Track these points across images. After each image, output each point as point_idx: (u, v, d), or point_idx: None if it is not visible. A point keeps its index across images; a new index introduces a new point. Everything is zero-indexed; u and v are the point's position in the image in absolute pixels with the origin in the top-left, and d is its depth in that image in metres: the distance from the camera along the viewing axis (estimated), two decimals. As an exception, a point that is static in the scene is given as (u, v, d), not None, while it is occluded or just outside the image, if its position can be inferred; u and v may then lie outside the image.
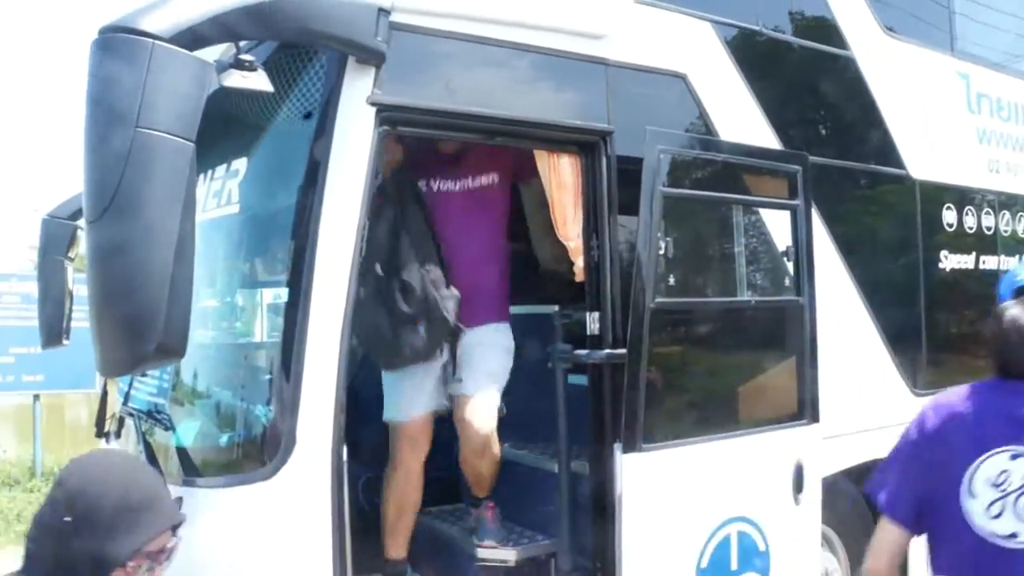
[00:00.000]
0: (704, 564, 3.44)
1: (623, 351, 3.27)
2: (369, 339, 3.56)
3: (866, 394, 4.29)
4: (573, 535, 3.45)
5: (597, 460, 3.35)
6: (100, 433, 4.29)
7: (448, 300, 3.43)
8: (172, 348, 2.28)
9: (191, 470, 3.04)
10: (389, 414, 3.67)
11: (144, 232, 2.22)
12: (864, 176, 4.53)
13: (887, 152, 4.53)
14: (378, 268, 3.39)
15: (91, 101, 2.29)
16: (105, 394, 4.53)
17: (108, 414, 4.30)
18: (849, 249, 4.24)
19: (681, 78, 3.63)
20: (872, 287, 4.33)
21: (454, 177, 3.72)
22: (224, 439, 3.12)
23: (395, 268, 3.43)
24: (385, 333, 3.43)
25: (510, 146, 3.49)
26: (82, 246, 4.59)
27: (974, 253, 4.98)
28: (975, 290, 5.02)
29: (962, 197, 4.95)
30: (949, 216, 4.85)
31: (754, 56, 4.00)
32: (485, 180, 3.71)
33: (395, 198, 3.51)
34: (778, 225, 3.85)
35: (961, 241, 4.90)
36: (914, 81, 4.73)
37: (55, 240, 4.49)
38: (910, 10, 4.86)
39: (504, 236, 3.84)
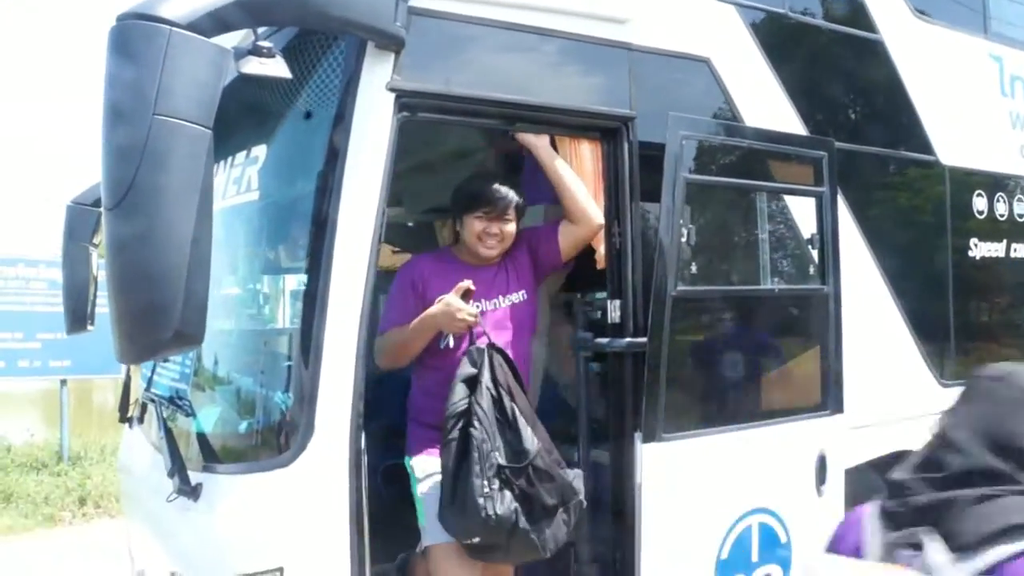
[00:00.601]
0: (724, 555, 3.41)
1: (644, 339, 3.24)
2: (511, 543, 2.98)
3: (892, 384, 4.23)
4: (592, 525, 3.42)
5: (617, 449, 3.33)
6: (123, 418, 4.33)
7: (577, 480, 3.11)
8: (190, 335, 2.28)
9: (211, 456, 3.05)
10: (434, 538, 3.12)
11: (162, 219, 2.22)
12: (892, 162, 4.45)
13: (916, 137, 4.45)
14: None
15: (109, 88, 2.29)
16: (128, 380, 4.57)
17: (131, 400, 4.35)
18: (875, 237, 4.17)
19: (705, 62, 3.58)
20: (899, 275, 4.26)
21: (487, 296, 3.35)
22: (244, 426, 3.13)
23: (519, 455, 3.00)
24: (525, 529, 2.95)
25: (540, 259, 3.43)
26: (103, 233, 4.62)
27: (1005, 241, 4.88)
28: (1006, 279, 4.94)
29: (994, 183, 4.86)
30: (980, 203, 4.76)
31: (779, 40, 3.93)
32: (516, 297, 3.39)
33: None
34: (803, 212, 3.79)
35: (992, 228, 4.80)
36: (945, 64, 4.64)
37: (79, 226, 4.52)
38: None
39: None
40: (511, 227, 3.32)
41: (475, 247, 3.31)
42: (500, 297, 3.32)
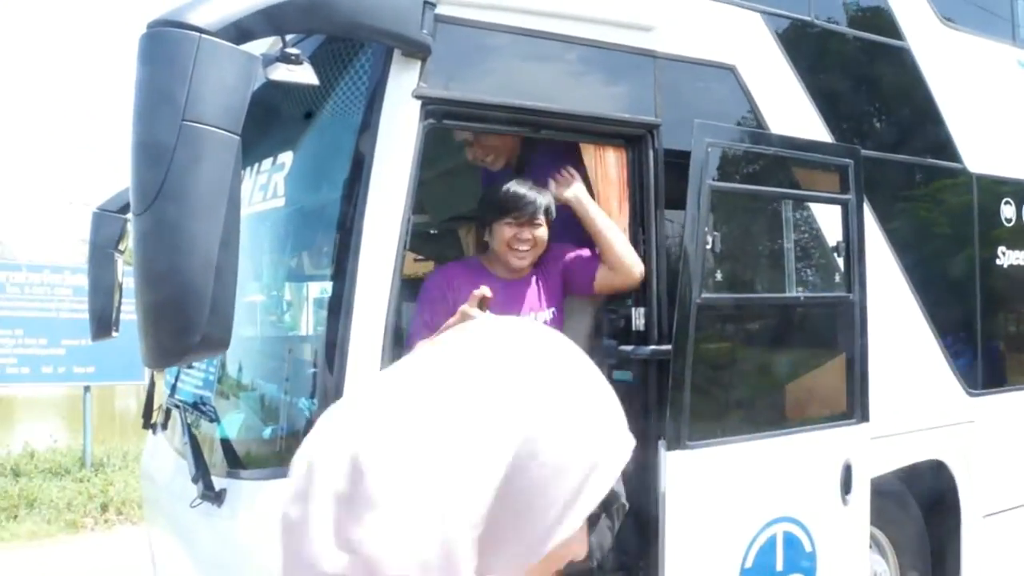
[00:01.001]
0: (749, 564, 3.39)
1: (668, 347, 3.23)
2: None
3: (918, 393, 4.20)
4: (616, 533, 3.40)
5: (641, 457, 3.31)
6: (147, 424, 4.35)
7: (617, 483, 3.12)
8: (217, 340, 2.29)
9: (235, 462, 3.06)
10: None
11: (190, 224, 2.23)
12: (918, 170, 4.43)
13: (943, 145, 4.43)
14: None
15: (139, 94, 2.31)
16: (152, 386, 4.60)
17: (155, 406, 4.37)
18: (902, 245, 4.15)
19: (730, 70, 3.58)
20: (926, 284, 4.23)
21: (517, 311, 3.33)
22: (268, 431, 3.14)
23: None
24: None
25: (571, 284, 3.38)
26: (131, 239, 4.65)
27: (1033, 249, 4.85)
28: (1034, 288, 4.90)
29: (1021, 191, 4.82)
30: (1007, 211, 4.73)
31: (805, 47, 3.93)
32: (547, 315, 3.38)
33: None
34: (829, 220, 3.77)
35: (1020, 236, 4.77)
36: (972, 72, 4.61)
37: (105, 233, 4.54)
38: None
39: None
40: (542, 232, 3.22)
41: (506, 256, 3.22)
42: (532, 314, 3.27)
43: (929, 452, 4.24)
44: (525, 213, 3.18)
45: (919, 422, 4.15)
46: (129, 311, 5.19)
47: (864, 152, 3.85)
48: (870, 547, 3.94)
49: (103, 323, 4.50)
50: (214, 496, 2.80)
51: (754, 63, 3.65)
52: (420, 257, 6.16)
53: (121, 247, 4.59)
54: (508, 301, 3.13)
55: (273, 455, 3.04)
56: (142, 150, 2.29)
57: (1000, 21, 4.86)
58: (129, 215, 4.34)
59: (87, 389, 9.90)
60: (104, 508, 8.40)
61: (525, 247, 3.19)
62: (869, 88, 4.26)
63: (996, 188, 4.69)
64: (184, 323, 2.24)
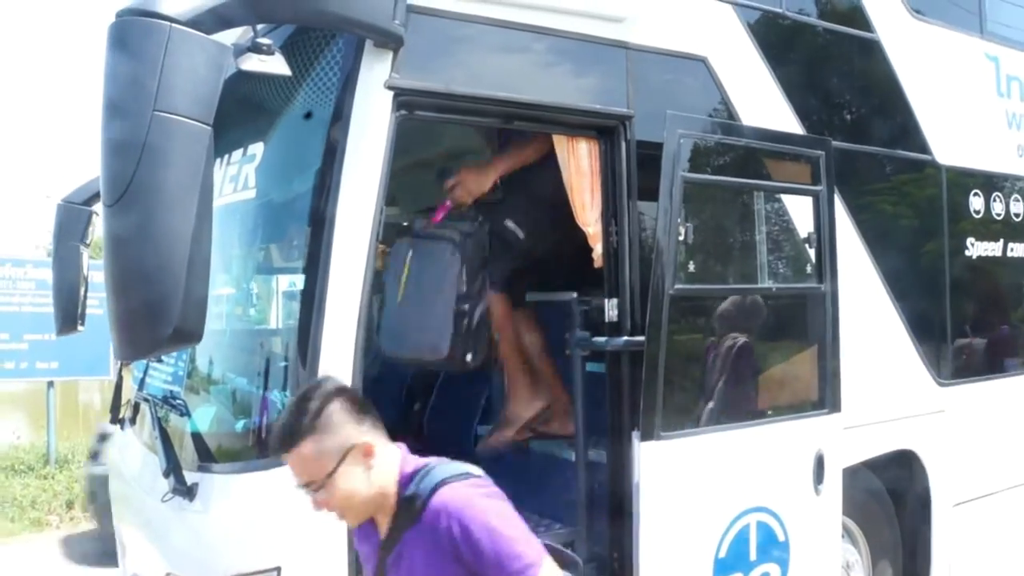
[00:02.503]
0: (723, 554, 3.41)
1: (642, 338, 3.23)
2: None
3: (889, 384, 4.24)
4: (590, 524, 3.41)
5: (615, 448, 3.32)
6: (115, 420, 4.29)
7: None
8: (189, 332, 2.27)
9: (206, 456, 3.03)
10: None
11: (162, 216, 2.21)
12: (888, 162, 4.47)
13: (912, 137, 4.47)
14: None
15: (108, 84, 2.28)
16: (120, 381, 4.54)
17: (123, 401, 4.31)
18: (872, 236, 4.19)
19: (702, 61, 3.59)
20: (896, 275, 4.28)
21: None
22: (240, 424, 3.11)
23: None
24: None
25: None
26: (98, 232, 4.58)
27: (1002, 240, 4.92)
28: (1002, 278, 4.97)
29: (990, 183, 4.89)
30: (976, 203, 4.79)
31: (776, 39, 3.95)
32: None
33: None
34: (800, 211, 3.79)
35: (988, 228, 4.83)
36: (941, 64, 4.66)
37: (70, 226, 4.47)
38: None
39: None
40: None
41: None
42: None
43: (900, 442, 4.29)
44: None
45: (890, 412, 4.20)
46: (95, 305, 5.15)
47: (835, 144, 3.88)
48: (842, 537, 3.98)
49: (68, 317, 4.43)
50: (186, 490, 2.78)
51: (726, 55, 3.66)
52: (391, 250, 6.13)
53: (87, 240, 4.52)
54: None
55: (245, 448, 3.01)
56: (113, 141, 2.26)
57: (968, 14, 4.91)
58: (95, 207, 4.30)
59: (51, 384, 9.76)
60: (69, 505, 8.30)
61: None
62: (840, 80, 4.29)
63: (965, 180, 4.75)
64: (156, 315, 2.21)
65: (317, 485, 1.90)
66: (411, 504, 1.92)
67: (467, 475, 1.96)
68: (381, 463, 1.94)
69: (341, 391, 1.96)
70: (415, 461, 2.01)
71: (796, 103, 3.89)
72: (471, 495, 1.90)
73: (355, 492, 1.92)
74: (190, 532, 2.84)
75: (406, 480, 1.95)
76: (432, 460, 2.01)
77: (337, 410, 1.91)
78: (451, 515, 1.85)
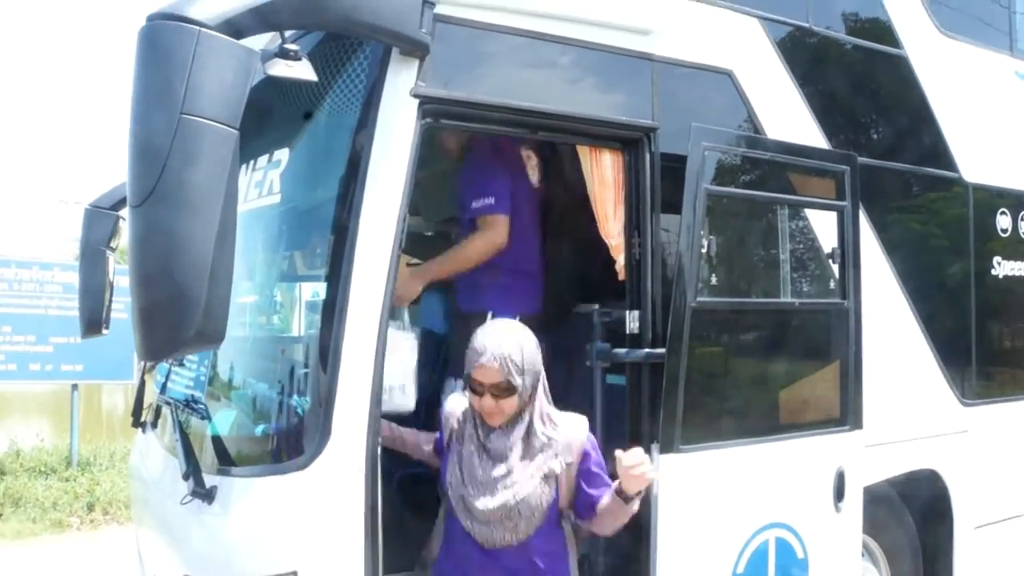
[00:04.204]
0: (741, 569, 3.38)
1: (662, 351, 3.22)
2: None
3: (912, 402, 4.20)
4: (607, 537, 3.39)
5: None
6: (136, 423, 4.32)
7: None
8: (211, 334, 2.27)
9: (226, 459, 3.04)
10: None
11: (187, 218, 2.21)
12: (914, 178, 4.44)
13: (939, 154, 4.44)
14: None
15: (137, 87, 2.29)
16: (142, 384, 4.57)
17: (145, 404, 4.34)
18: (897, 253, 4.16)
19: (727, 75, 3.58)
20: (920, 293, 4.24)
21: None
22: (260, 429, 3.12)
23: None
24: None
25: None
26: (123, 237, 4.62)
27: (1029, 260, 4.86)
28: (1030, 299, 4.91)
29: (1018, 202, 4.84)
30: (1003, 221, 4.75)
31: (803, 53, 3.94)
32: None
33: None
34: (824, 226, 3.78)
35: (1016, 248, 4.79)
36: (970, 82, 4.63)
37: (97, 230, 4.51)
38: (968, 10, 4.77)
39: None
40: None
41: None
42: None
43: (922, 461, 4.25)
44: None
45: (912, 431, 4.16)
46: (119, 309, 5.19)
47: (860, 159, 3.86)
48: (862, 555, 3.94)
49: (94, 321, 4.47)
50: (205, 493, 2.78)
51: (751, 68, 3.65)
52: (414, 261, 6.15)
53: (113, 244, 4.56)
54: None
55: (265, 453, 3.02)
56: (140, 143, 2.27)
57: (998, 32, 4.88)
58: (122, 212, 4.34)
59: (75, 387, 9.85)
60: (90, 508, 8.36)
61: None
62: (866, 96, 4.27)
63: (992, 199, 4.71)
64: (179, 317, 2.22)
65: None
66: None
67: None
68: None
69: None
70: None
71: (822, 118, 3.87)
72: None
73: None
74: (208, 535, 2.85)
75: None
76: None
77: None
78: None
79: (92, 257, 4.50)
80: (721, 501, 3.36)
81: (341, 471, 2.68)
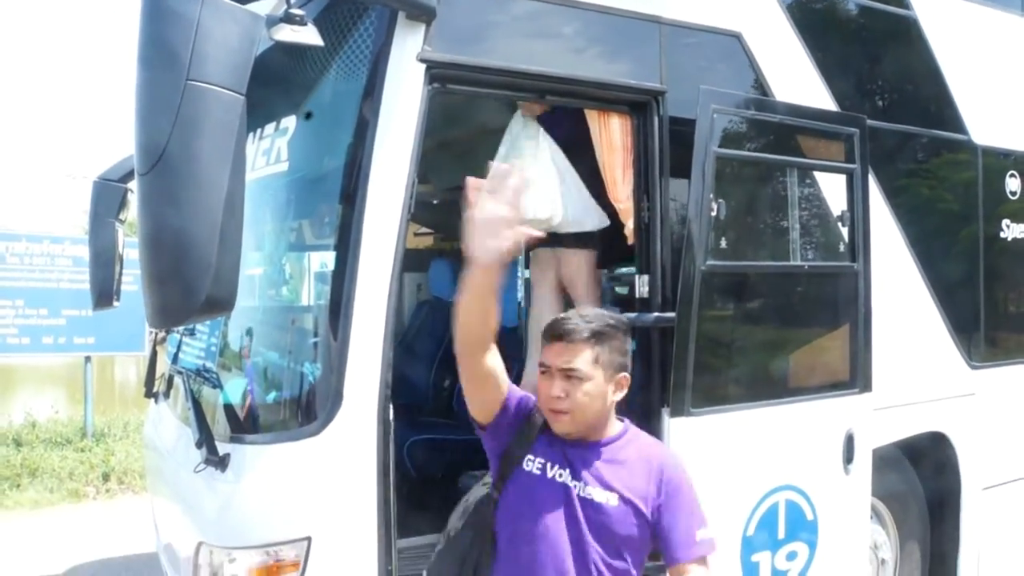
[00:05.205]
0: (751, 532, 3.40)
1: (672, 314, 3.22)
2: None
3: (920, 365, 4.20)
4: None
5: (644, 424, 3.30)
6: (149, 393, 4.36)
7: None
8: (222, 300, 2.28)
9: (238, 427, 3.06)
10: None
11: (194, 184, 2.21)
12: (923, 141, 4.41)
13: (948, 116, 4.40)
14: None
15: (142, 54, 2.29)
16: (154, 355, 4.60)
17: (157, 375, 4.37)
18: (906, 215, 4.14)
19: (736, 37, 3.55)
20: (929, 255, 4.23)
21: None
22: (271, 397, 3.14)
23: None
24: None
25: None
26: (132, 209, 4.63)
27: (1038, 223, 4.83)
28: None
29: (1028, 164, 4.80)
30: (1012, 184, 4.71)
31: (811, 15, 3.91)
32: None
33: None
34: (833, 189, 3.76)
35: (1025, 210, 4.75)
36: (979, 42, 4.58)
37: (106, 202, 4.52)
38: None
39: None
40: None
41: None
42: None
43: (930, 424, 4.25)
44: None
45: (921, 394, 4.16)
46: (129, 282, 5.21)
47: (869, 122, 3.83)
48: (871, 518, 3.95)
49: (104, 293, 4.49)
50: (218, 461, 2.80)
51: (760, 31, 3.62)
52: (422, 230, 6.15)
53: (122, 216, 4.56)
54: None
55: (277, 420, 3.05)
56: (146, 110, 2.27)
57: (1008, -9, 4.83)
58: (130, 184, 4.34)
59: (88, 359, 9.91)
60: (106, 477, 8.44)
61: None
62: (875, 57, 4.23)
63: (1001, 161, 4.67)
64: (189, 284, 2.22)
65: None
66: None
67: None
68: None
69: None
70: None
71: (831, 80, 3.84)
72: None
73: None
74: (222, 502, 2.87)
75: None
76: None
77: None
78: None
79: (101, 230, 4.50)
80: (731, 464, 3.37)
81: (353, 437, 2.70)
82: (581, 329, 2.17)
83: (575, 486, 2.19)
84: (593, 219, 3.59)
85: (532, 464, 2.24)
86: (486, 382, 2.22)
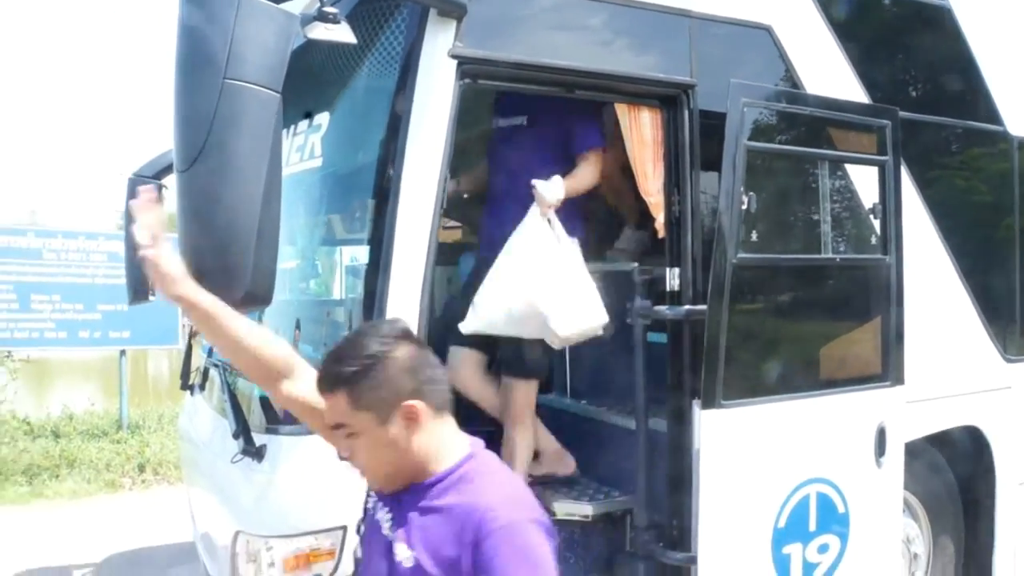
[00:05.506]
0: (782, 524, 3.40)
1: (703, 307, 3.23)
2: None
3: (954, 358, 4.18)
4: (650, 491, 3.43)
5: (675, 417, 3.34)
6: (185, 386, 4.42)
7: None
8: (260, 296, 2.31)
9: (274, 418, 3.10)
10: None
11: (232, 181, 2.24)
12: (958, 132, 4.37)
13: (984, 107, 4.36)
14: None
15: (180, 54, 2.32)
16: (189, 349, 4.66)
17: (192, 368, 4.43)
18: (939, 208, 4.11)
19: (766, 30, 3.54)
20: (963, 248, 4.19)
21: None
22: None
23: None
24: None
25: None
26: (166, 205, 4.68)
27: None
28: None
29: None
30: (1049, 175, 4.66)
31: (842, 6, 3.88)
32: None
33: None
34: (865, 182, 3.74)
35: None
36: (1015, 31, 4.53)
37: (140, 199, 4.56)
38: None
39: None
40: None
41: None
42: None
43: (965, 418, 4.23)
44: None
45: (955, 387, 4.13)
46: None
47: (902, 114, 3.81)
48: (903, 511, 3.94)
49: (140, 288, 4.55)
50: (255, 452, 2.85)
51: (790, 23, 3.61)
52: (450, 224, 6.17)
53: (156, 213, 4.61)
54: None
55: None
56: (185, 109, 2.30)
57: (1045, -21, 4.76)
58: (164, 180, 4.41)
59: (123, 353, 10.06)
60: (141, 468, 8.58)
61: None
62: (908, 48, 4.20)
63: (1038, 151, 4.61)
64: (228, 279, 2.25)
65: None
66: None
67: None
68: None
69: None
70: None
71: (862, 72, 3.82)
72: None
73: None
74: (259, 492, 2.92)
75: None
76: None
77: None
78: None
79: (136, 226, 4.54)
80: (763, 456, 3.37)
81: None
82: (328, 377, 1.80)
83: (392, 537, 1.80)
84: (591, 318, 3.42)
85: (370, 500, 1.95)
86: (303, 414, 2.02)
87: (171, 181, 4.23)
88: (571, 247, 3.46)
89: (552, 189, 3.39)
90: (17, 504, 7.77)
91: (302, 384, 1.94)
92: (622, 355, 3.59)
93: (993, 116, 4.39)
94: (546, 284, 3.31)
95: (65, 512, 7.49)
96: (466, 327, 3.39)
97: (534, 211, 3.40)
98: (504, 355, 3.78)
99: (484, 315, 3.36)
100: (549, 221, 3.41)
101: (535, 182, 3.39)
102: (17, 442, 9.19)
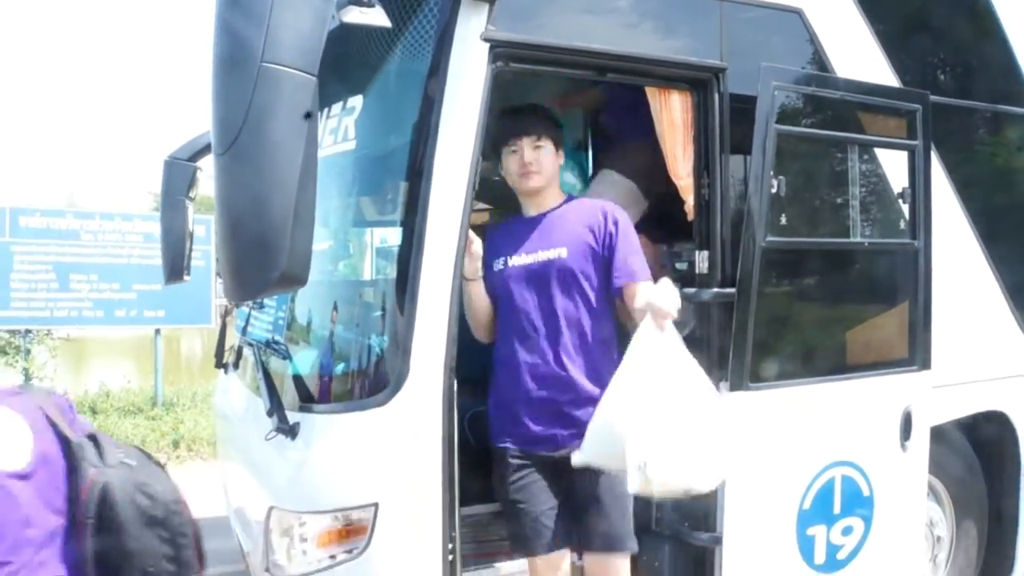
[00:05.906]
0: (807, 506, 3.43)
1: (732, 290, 3.25)
2: None
3: (981, 344, 4.17)
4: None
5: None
6: (219, 364, 4.50)
7: None
8: (295, 276, 2.36)
9: (307, 397, 3.17)
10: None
11: (269, 164, 2.29)
12: (989, 116, 4.34)
13: (1017, 91, 4.32)
14: None
15: (218, 38, 2.36)
16: (223, 328, 4.74)
17: (226, 347, 4.51)
18: (969, 193, 4.09)
19: (797, 13, 3.54)
20: (993, 233, 4.17)
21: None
22: (340, 368, 3.23)
23: None
24: None
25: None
26: (201, 187, 4.76)
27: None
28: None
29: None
30: (1082, 160, 4.61)
31: (874, -11, 3.86)
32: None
33: None
34: (895, 166, 3.73)
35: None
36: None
37: (176, 181, 4.63)
38: None
39: None
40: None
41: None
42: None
43: (991, 403, 4.22)
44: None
45: (981, 372, 4.13)
46: (197, 257, 5.38)
47: (933, 98, 3.79)
48: (927, 495, 3.95)
49: (175, 268, 4.62)
50: (288, 429, 2.90)
51: (821, 6, 3.60)
52: (481, 206, 6.20)
53: (192, 194, 4.69)
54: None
55: (345, 391, 3.13)
56: (223, 93, 2.35)
57: (1082, -41, 4.70)
58: (199, 163, 4.48)
59: (157, 332, 10.22)
60: (176, 445, 8.72)
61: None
62: (940, 31, 4.17)
63: (1071, 136, 4.57)
64: (265, 260, 2.30)
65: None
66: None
67: None
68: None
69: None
70: None
71: (893, 56, 3.80)
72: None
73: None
74: (292, 469, 2.98)
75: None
76: None
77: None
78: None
79: (172, 207, 4.62)
80: (789, 438, 3.40)
81: (419, 407, 2.79)
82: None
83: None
84: None
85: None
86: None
87: (207, 163, 4.32)
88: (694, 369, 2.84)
89: (668, 298, 2.76)
90: (56, 478, 7.92)
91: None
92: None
93: (1025, 100, 4.36)
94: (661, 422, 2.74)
95: (102, 487, 7.63)
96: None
97: (649, 325, 2.79)
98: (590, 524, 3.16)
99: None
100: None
101: (646, 292, 2.82)
102: (55, 418, 9.37)
